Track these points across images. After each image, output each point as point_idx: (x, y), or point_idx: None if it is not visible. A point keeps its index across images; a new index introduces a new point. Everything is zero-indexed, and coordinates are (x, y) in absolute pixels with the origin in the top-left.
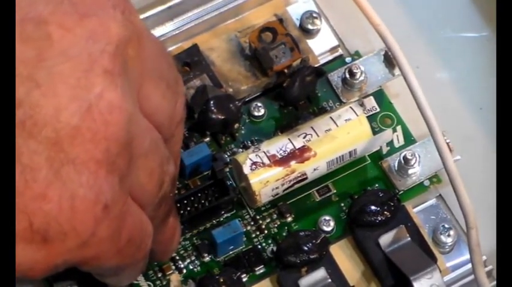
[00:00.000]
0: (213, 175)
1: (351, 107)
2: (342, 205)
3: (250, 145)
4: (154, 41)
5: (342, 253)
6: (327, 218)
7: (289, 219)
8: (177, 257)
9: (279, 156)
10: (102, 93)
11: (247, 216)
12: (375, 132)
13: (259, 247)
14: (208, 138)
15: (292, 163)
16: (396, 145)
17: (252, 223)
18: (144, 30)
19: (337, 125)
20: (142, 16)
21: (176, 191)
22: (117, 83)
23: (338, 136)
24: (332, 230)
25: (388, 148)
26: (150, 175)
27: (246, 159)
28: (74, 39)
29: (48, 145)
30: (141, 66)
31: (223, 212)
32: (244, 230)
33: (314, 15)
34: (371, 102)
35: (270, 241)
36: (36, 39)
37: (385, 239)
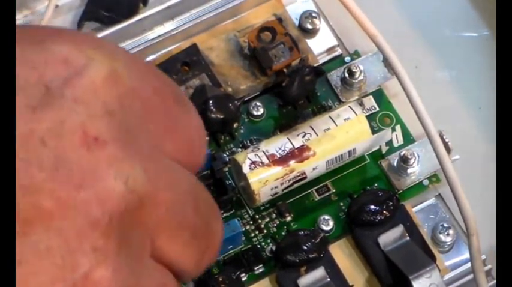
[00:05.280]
0: (212, 174)
1: (350, 107)
2: (341, 204)
3: (249, 144)
4: (171, 194)
5: (341, 252)
6: (326, 217)
7: (289, 218)
8: None
9: (278, 155)
10: (89, 273)
11: (247, 215)
12: (374, 132)
13: (259, 246)
14: (207, 138)
15: (291, 162)
16: (395, 144)
17: (251, 222)
18: (154, 191)
19: (336, 125)
20: (140, 16)
21: None
22: (108, 261)
23: (337, 135)
24: (331, 229)
25: (388, 147)
26: None
27: (245, 158)
28: (64, 212)
29: None
30: (150, 225)
31: (222, 211)
32: (244, 229)
33: (313, 14)
34: (370, 101)
35: (269, 241)
36: (27, 210)
37: (384, 239)
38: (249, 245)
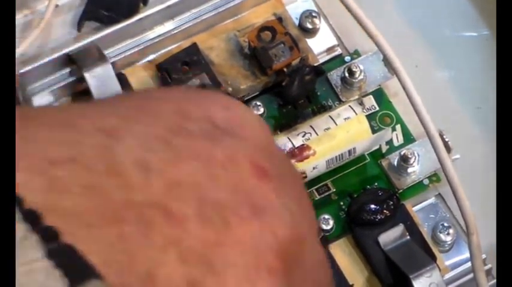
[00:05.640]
0: None
1: (350, 106)
2: (341, 203)
3: None
4: (316, 248)
5: (341, 252)
6: (326, 216)
7: None
8: None
9: None
10: None
11: None
12: (374, 131)
13: None
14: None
15: (292, 162)
16: (395, 143)
17: None
18: (307, 235)
19: (336, 124)
20: (141, 16)
21: None
22: (280, 285)
23: (337, 135)
24: (331, 228)
25: (388, 146)
26: None
27: None
28: (247, 231)
29: None
30: (301, 272)
31: None
32: None
33: (313, 14)
34: (370, 101)
35: None
36: (215, 223)
37: (384, 238)
38: None
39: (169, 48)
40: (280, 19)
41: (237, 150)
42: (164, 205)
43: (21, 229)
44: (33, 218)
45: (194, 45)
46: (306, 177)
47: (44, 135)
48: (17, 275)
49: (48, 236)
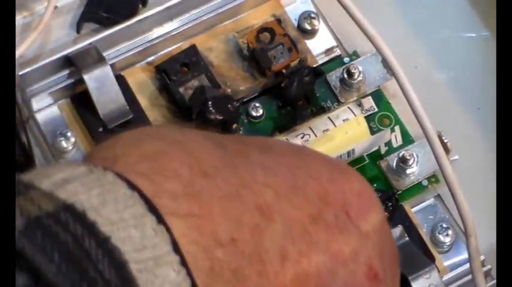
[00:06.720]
0: None
1: (349, 107)
2: None
3: None
4: None
5: None
6: None
7: None
8: None
9: None
10: None
11: None
12: (373, 132)
13: None
14: None
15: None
16: (394, 144)
17: None
18: None
19: (335, 125)
20: (140, 17)
21: None
22: None
23: (336, 136)
24: None
25: (386, 147)
26: None
27: None
28: None
29: None
30: None
31: None
32: None
33: (312, 15)
34: (369, 102)
35: None
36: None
37: None
38: None
39: (169, 49)
40: (279, 20)
41: (360, 248)
42: None
43: None
44: None
45: (193, 47)
46: None
47: (215, 208)
48: None
49: None
